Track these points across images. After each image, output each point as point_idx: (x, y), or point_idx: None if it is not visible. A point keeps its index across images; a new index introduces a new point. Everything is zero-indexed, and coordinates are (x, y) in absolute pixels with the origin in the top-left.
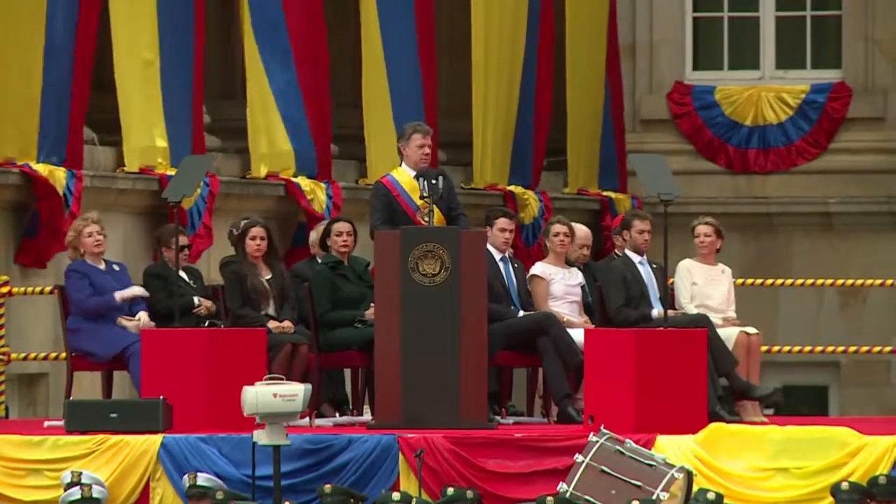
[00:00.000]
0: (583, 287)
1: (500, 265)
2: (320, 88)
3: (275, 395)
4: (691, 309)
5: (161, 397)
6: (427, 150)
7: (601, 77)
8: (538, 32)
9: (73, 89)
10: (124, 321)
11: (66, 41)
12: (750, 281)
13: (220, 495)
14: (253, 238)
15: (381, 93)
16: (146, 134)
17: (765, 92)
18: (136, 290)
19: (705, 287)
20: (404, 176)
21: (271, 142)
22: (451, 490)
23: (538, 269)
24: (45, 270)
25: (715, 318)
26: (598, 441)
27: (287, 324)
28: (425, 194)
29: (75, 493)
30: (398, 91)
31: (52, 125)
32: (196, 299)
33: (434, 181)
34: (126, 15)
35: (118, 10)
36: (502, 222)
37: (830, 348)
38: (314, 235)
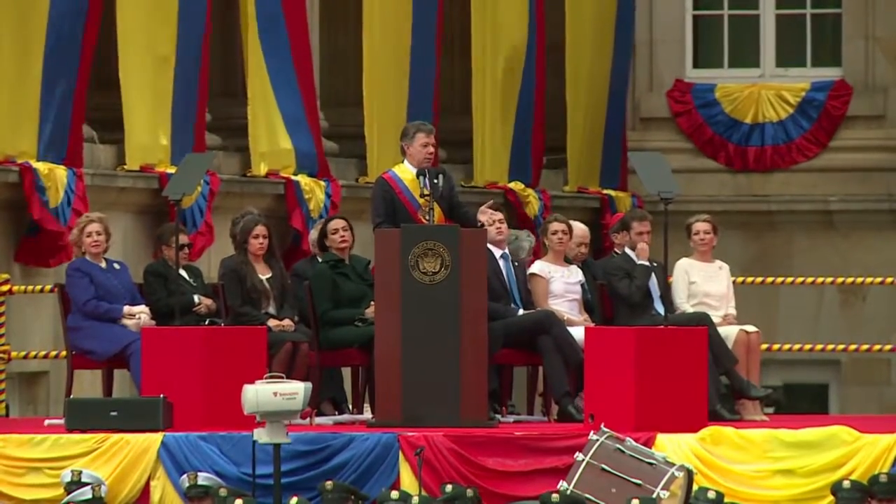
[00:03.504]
0: (582, 285)
1: (501, 263)
2: (310, 84)
3: (275, 394)
4: (688, 308)
5: (161, 396)
6: (431, 149)
7: (606, 75)
8: (537, 30)
9: (75, 87)
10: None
11: (71, 39)
12: (750, 279)
13: (223, 492)
14: (256, 237)
15: (397, 89)
16: (149, 132)
17: (765, 90)
18: (145, 310)
19: (704, 284)
20: (406, 173)
21: (271, 139)
22: (450, 488)
23: (537, 267)
24: (45, 269)
25: (714, 316)
26: (598, 439)
27: (287, 322)
28: (426, 192)
29: (86, 492)
30: (416, 88)
31: (53, 123)
32: (196, 297)
33: (435, 179)
34: (136, 11)
35: (126, 6)
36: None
37: (831, 346)
38: (313, 235)
